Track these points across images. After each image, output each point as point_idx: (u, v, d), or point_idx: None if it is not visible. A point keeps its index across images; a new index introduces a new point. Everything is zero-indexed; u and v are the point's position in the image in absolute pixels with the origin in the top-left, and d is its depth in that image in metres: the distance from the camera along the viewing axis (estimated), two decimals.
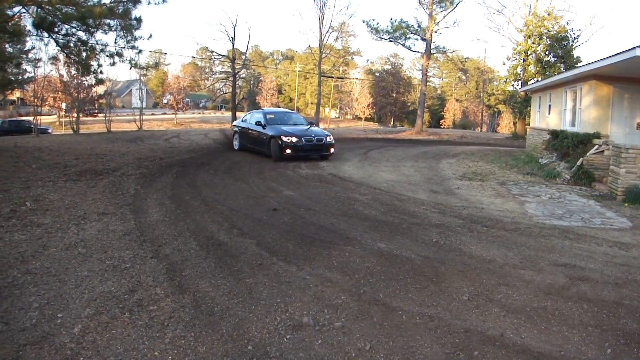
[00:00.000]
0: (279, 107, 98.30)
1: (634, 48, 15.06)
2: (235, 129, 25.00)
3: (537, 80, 37.48)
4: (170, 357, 4.70)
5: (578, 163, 17.68)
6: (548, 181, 17.20)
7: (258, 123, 22.15)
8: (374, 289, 6.57)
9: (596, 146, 17.70)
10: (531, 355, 5.05)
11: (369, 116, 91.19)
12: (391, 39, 52.57)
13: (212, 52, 61.42)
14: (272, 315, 5.64)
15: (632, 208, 12.89)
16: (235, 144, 24.57)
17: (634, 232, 10.47)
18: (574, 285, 7.06)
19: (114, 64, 21.66)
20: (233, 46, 53.34)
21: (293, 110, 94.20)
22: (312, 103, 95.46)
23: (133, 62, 22.23)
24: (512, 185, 16.04)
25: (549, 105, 27.34)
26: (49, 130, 45.32)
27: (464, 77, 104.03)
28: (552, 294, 6.65)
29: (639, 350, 5.27)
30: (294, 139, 20.37)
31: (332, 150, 21.87)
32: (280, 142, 20.23)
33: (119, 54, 21.39)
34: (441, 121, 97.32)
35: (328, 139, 21.61)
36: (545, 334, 5.54)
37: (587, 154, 17.74)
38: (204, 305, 5.82)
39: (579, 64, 40.98)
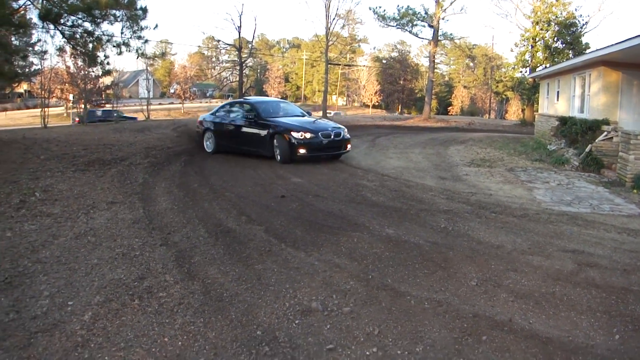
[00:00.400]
0: (286, 96, 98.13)
1: None
2: (206, 125, 19.33)
3: (546, 67, 37.32)
4: (179, 343, 4.73)
5: (587, 149, 17.65)
6: (556, 167, 17.16)
7: (248, 117, 17.51)
8: (382, 275, 6.59)
9: (605, 132, 17.67)
10: (539, 341, 5.06)
11: (377, 103, 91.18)
12: (398, 26, 52.39)
13: (219, 41, 61.70)
14: (280, 300, 5.67)
15: None
16: (208, 145, 19.00)
17: None
18: (583, 271, 7.06)
19: (120, 53, 21.56)
20: (239, 35, 53.44)
21: (299, 98, 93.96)
22: (319, 91, 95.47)
23: (140, 51, 22.19)
24: (521, 171, 16.01)
25: (558, 92, 27.26)
26: (137, 119, 46.08)
27: (471, 64, 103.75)
28: (560, 280, 6.65)
29: None
30: (309, 135, 15.89)
31: (349, 146, 17.70)
32: (290, 139, 15.75)
33: (126, 44, 21.31)
34: (449, 108, 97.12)
35: (345, 133, 17.33)
36: (554, 319, 5.54)
37: (596, 140, 17.72)
38: (213, 292, 5.85)
39: (587, 51, 40.85)
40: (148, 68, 66.65)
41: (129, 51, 21.65)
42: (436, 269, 6.84)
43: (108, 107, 53.11)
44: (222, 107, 19.97)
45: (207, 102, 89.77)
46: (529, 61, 48.28)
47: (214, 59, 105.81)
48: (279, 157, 16.14)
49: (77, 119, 46.69)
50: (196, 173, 13.65)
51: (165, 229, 8.26)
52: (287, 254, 7.24)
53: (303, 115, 18.94)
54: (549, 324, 5.42)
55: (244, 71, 60.83)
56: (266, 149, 16.61)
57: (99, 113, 49.21)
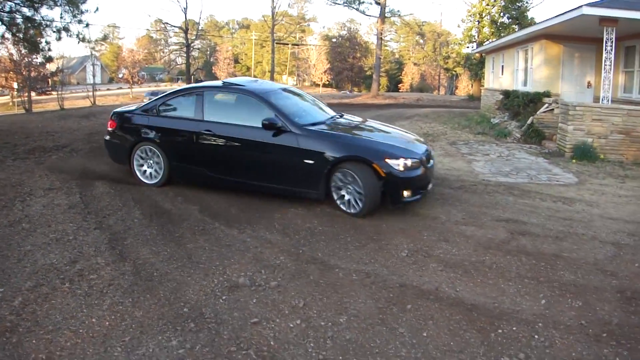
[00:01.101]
0: (236, 77, 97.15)
1: (580, 7, 15.26)
2: (137, 130, 10.24)
3: (491, 42, 37.76)
4: (107, 323, 4.75)
5: (528, 122, 17.91)
6: (499, 140, 17.40)
7: (266, 123, 8.70)
8: (313, 249, 6.70)
9: (546, 105, 17.96)
10: (464, 307, 5.18)
11: (327, 82, 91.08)
12: (345, 4, 52.50)
13: (166, 23, 60.93)
14: (210, 278, 5.74)
15: (579, 164, 13.14)
16: (147, 171, 10.17)
17: (579, 187, 10.68)
18: (514, 239, 7.22)
19: (60, 39, 21.02)
20: (185, 16, 53.18)
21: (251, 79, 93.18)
22: (269, 71, 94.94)
23: (81, 36, 21.76)
24: (462, 144, 16.19)
25: (502, 66, 27.63)
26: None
27: (421, 41, 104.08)
28: (491, 248, 6.80)
29: (573, 300, 5.43)
30: (410, 162, 8.31)
31: None
32: (386, 172, 8.08)
33: (66, 29, 20.87)
34: (399, 85, 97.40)
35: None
36: (481, 287, 5.68)
37: (537, 112, 18.00)
38: (143, 272, 5.87)
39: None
40: (93, 53, 65.41)
41: (70, 36, 21.20)
42: (368, 241, 6.93)
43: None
44: (173, 95, 10.44)
45: (156, 86, 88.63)
46: (476, 37, 48.60)
47: (162, 42, 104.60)
48: (357, 205, 8.18)
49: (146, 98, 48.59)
50: None
51: (101, 213, 8.18)
52: (219, 232, 7.27)
53: (323, 111, 10.77)
54: (475, 292, 5.55)
55: (192, 53, 60.36)
56: (315, 186, 8.52)
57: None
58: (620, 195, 10.28)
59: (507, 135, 18.11)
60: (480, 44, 45.53)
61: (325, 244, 6.88)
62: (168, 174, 9.89)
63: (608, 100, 15.54)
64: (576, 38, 20.21)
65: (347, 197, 8.31)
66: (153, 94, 46.04)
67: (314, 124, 9.10)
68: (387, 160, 8.15)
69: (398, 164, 8.14)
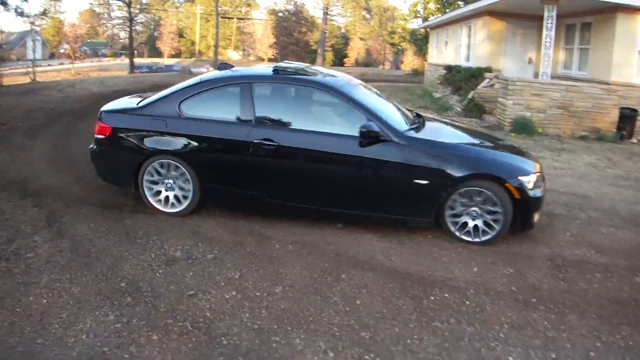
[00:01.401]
0: (181, 51, 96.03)
1: None
2: (151, 139, 6.98)
3: (436, 17, 38.02)
4: (44, 301, 4.71)
5: (469, 96, 18.18)
6: (440, 114, 17.55)
7: (365, 130, 6.29)
8: (250, 221, 6.75)
9: (487, 80, 18.23)
10: (398, 276, 5.31)
11: (272, 57, 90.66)
12: None
13: None
14: (147, 252, 5.73)
15: (518, 138, 13.42)
16: (170, 195, 6.98)
17: None
18: None
19: None
20: None
21: (194, 54, 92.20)
22: (214, 46, 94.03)
23: (19, 10, 21.35)
24: None
25: (446, 42, 27.96)
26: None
27: (367, 16, 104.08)
28: None
29: (504, 267, 5.67)
30: (535, 177, 6.61)
31: None
32: (521, 192, 6.36)
33: (4, 3, 20.46)
34: (345, 60, 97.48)
35: None
36: (415, 256, 5.84)
37: (478, 87, 18.27)
38: (81, 248, 5.81)
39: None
40: (33, 28, 63.89)
41: (7, 10, 20.78)
42: (305, 214, 6.98)
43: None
44: (201, 88, 7.15)
45: (98, 61, 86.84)
46: (421, 12, 48.96)
47: (105, 16, 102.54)
48: (489, 230, 6.45)
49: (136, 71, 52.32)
50: (76, 133, 13.19)
51: (38, 191, 8.05)
52: None
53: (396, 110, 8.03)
54: (410, 261, 5.71)
55: (136, 28, 59.51)
56: (427, 212, 6.52)
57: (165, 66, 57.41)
58: (556, 167, 10.59)
59: (448, 109, 18.36)
60: (425, 19, 45.90)
61: (262, 216, 6.94)
62: (200, 198, 6.96)
63: (548, 76, 15.85)
64: (519, 15, 20.53)
65: (472, 222, 6.49)
66: (148, 67, 45.11)
67: (409, 130, 6.82)
68: (519, 177, 6.47)
69: (529, 181, 6.50)
